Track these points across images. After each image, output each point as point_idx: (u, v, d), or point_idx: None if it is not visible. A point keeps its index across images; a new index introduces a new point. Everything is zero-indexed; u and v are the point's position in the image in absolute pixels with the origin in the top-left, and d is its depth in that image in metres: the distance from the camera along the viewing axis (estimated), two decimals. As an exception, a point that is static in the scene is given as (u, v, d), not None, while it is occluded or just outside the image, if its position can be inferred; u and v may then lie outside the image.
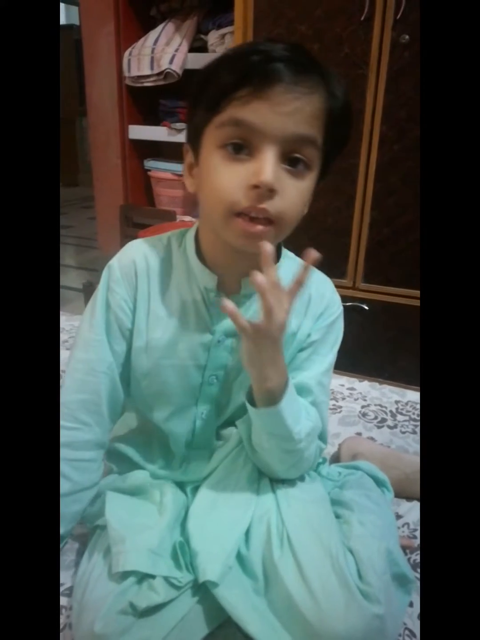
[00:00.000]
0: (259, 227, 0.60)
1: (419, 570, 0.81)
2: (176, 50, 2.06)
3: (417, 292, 1.65)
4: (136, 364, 0.74)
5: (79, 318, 1.71)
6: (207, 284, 0.72)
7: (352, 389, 1.34)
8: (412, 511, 0.94)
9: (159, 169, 2.32)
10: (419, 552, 0.85)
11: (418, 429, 1.19)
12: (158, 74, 2.10)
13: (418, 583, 0.74)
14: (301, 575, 0.62)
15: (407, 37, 1.47)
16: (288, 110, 0.58)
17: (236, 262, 0.69)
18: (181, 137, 2.20)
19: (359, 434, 1.16)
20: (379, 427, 1.19)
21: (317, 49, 1.56)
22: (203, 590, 0.65)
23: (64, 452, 0.69)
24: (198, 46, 2.12)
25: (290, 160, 0.60)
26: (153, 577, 0.64)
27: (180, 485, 0.81)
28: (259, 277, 0.58)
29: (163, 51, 2.08)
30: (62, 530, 0.71)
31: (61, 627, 0.67)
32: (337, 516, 0.73)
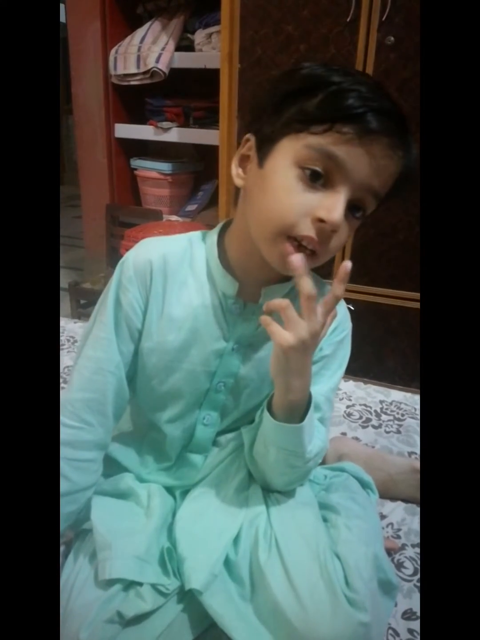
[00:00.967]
0: (303, 256, 0.59)
1: (402, 571, 0.82)
2: (163, 49, 2.05)
3: (401, 293, 1.67)
4: (145, 364, 0.73)
5: (65, 319, 1.71)
6: (227, 290, 0.70)
7: (337, 389, 1.35)
8: (395, 511, 0.95)
9: (146, 168, 2.31)
10: (402, 552, 0.86)
11: (402, 429, 1.20)
12: (144, 73, 2.09)
13: (409, 585, 0.74)
14: (288, 580, 0.62)
15: (392, 38, 1.48)
16: (378, 166, 0.58)
17: (261, 271, 0.68)
18: (167, 136, 2.19)
19: (344, 434, 1.17)
20: (363, 427, 1.21)
21: (304, 49, 1.56)
22: (189, 596, 0.65)
23: (64, 451, 0.67)
24: (185, 45, 2.11)
25: (353, 205, 0.60)
26: (140, 584, 0.63)
27: (169, 489, 0.81)
28: (306, 283, 0.57)
29: (149, 50, 2.07)
30: None
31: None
32: (324, 520, 0.73)
